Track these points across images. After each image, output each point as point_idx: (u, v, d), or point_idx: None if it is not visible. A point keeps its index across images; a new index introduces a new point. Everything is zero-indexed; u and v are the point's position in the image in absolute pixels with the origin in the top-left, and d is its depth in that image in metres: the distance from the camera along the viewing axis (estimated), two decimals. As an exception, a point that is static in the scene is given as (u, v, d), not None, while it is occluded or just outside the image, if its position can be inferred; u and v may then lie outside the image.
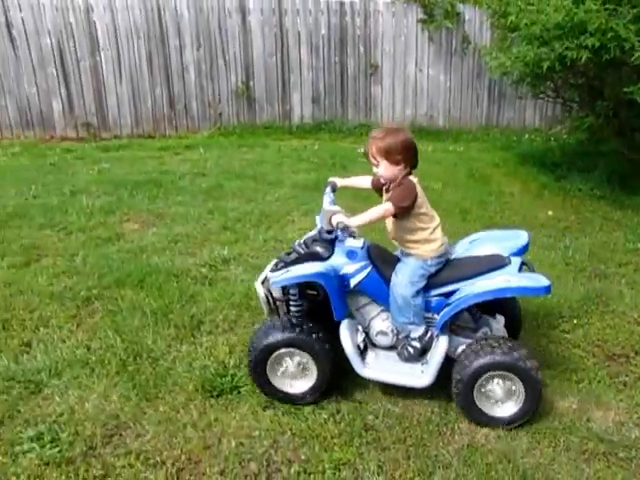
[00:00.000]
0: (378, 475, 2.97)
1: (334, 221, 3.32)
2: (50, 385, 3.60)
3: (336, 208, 3.47)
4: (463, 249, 3.73)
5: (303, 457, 3.07)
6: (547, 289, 3.30)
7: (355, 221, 3.30)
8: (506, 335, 3.67)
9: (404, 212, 3.32)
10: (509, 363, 3.22)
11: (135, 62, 11.20)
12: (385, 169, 3.34)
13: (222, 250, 5.59)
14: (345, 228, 3.29)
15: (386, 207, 3.28)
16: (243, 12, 11.00)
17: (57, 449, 3.07)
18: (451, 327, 3.60)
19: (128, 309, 4.47)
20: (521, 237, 3.73)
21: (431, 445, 3.17)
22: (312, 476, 2.95)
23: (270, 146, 10.39)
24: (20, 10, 10.84)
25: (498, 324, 3.72)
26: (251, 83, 11.40)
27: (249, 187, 7.70)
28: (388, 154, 3.28)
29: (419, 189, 3.34)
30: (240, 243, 5.84)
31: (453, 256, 3.63)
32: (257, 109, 11.59)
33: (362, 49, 11.41)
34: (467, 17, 11.49)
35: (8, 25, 10.88)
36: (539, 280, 3.33)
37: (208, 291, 4.79)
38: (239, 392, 3.53)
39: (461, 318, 3.70)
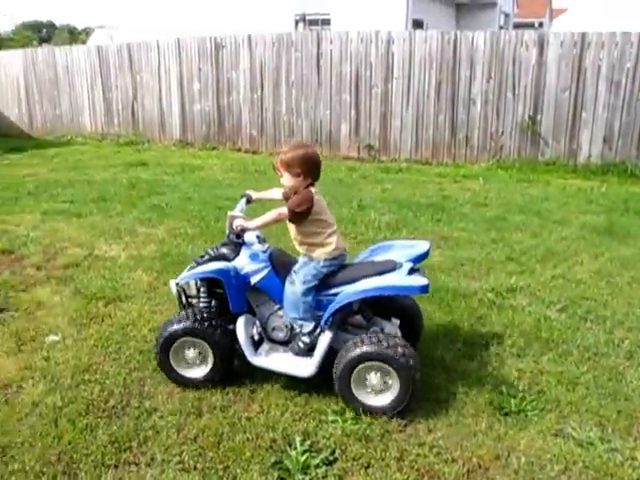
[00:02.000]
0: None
1: (235, 224, 3.75)
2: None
3: (237, 214, 3.89)
4: (363, 256, 3.99)
5: (599, 491, 2.96)
6: (423, 288, 3.47)
7: (252, 223, 3.72)
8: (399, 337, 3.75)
9: (299, 217, 3.60)
10: (386, 355, 3.42)
11: (423, 90, 11.55)
12: (287, 180, 3.66)
13: (508, 279, 5.52)
14: (243, 230, 3.72)
15: (280, 211, 3.61)
16: (541, 45, 10.74)
17: (357, 426, 3.39)
18: (344, 326, 3.86)
19: (420, 318, 4.59)
20: (420, 246, 3.90)
21: None
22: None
23: (552, 183, 10.01)
24: (331, 42, 11.83)
25: (392, 327, 3.86)
26: (538, 117, 11.07)
27: (533, 222, 7.46)
28: (289, 167, 3.60)
29: (318, 199, 3.62)
30: (526, 275, 5.69)
31: (354, 261, 3.94)
32: (541, 144, 11.20)
33: (675, 85, 10.30)
34: None
35: (318, 55, 11.93)
36: (417, 280, 3.49)
37: (496, 315, 4.78)
38: (527, 415, 3.51)
39: (353, 318, 3.92)
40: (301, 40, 12.21)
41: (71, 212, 7.95)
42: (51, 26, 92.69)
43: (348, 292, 3.59)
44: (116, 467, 3.11)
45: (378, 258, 3.84)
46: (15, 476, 3.03)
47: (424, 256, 3.86)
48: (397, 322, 3.94)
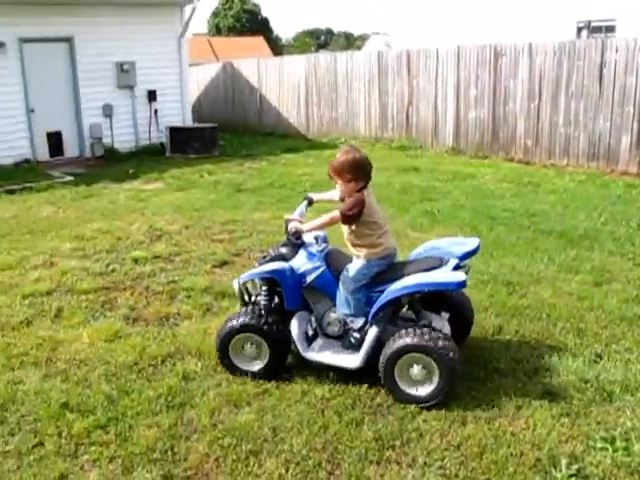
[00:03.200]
0: None
1: (290, 227, 4.04)
2: (622, 398, 3.81)
3: (294, 217, 4.15)
4: (416, 254, 4.19)
5: None
6: (460, 284, 3.67)
7: (307, 226, 4.02)
8: (449, 331, 3.99)
9: (350, 220, 3.83)
10: (426, 347, 3.64)
11: None
12: (340, 186, 3.92)
13: None
14: (297, 232, 4.01)
15: (333, 215, 3.86)
16: None
17: (629, 458, 3.25)
18: (394, 321, 4.01)
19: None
20: (468, 244, 4.13)
21: None
22: None
23: None
24: (616, 51, 11.38)
25: (441, 320, 4.08)
26: None
27: None
28: (339, 174, 3.84)
29: (370, 201, 3.85)
30: None
31: (409, 258, 4.16)
32: None
33: None
34: None
35: (601, 64, 11.54)
36: (454, 276, 3.71)
37: None
38: None
39: (403, 313, 4.15)
40: (584, 48, 11.79)
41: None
42: (329, 32, 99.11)
43: (392, 289, 3.78)
44: (378, 464, 3.27)
45: (428, 255, 4.05)
46: (284, 455, 3.36)
47: (472, 253, 4.09)
48: (446, 316, 4.15)
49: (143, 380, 4.18)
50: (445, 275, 3.78)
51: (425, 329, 3.77)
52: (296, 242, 4.14)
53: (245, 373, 4.13)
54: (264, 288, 4.19)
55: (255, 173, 12.22)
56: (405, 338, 3.73)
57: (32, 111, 13.91)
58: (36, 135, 14.11)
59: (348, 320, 4.07)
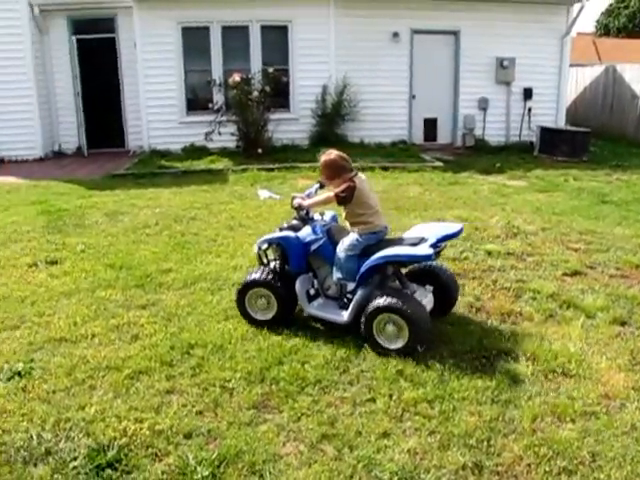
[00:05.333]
0: None
1: (294, 202, 4.91)
2: None
3: (298, 194, 5.05)
4: (407, 233, 4.92)
5: None
6: (424, 257, 4.46)
7: (307, 203, 4.89)
8: (431, 302, 4.75)
9: (343, 200, 4.64)
10: (397, 308, 4.34)
11: None
12: (330, 184, 4.85)
13: None
14: (299, 207, 4.88)
15: (329, 195, 4.75)
16: None
17: None
18: (385, 289, 4.64)
19: None
20: (451, 228, 4.89)
21: None
22: None
23: None
24: None
25: (425, 292, 4.79)
26: None
27: None
28: (323, 176, 4.90)
29: (362, 187, 4.67)
30: None
31: (402, 236, 4.90)
32: None
33: None
34: None
35: None
36: (422, 251, 4.41)
37: None
38: None
39: (393, 283, 4.82)
40: None
41: None
42: None
43: (373, 257, 4.48)
44: None
45: (414, 234, 4.75)
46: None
47: (453, 235, 4.78)
48: (430, 288, 4.83)
49: (474, 368, 4.30)
50: (415, 249, 4.47)
51: (401, 295, 4.49)
52: (305, 217, 4.93)
53: (256, 321, 4.93)
54: (278, 252, 4.99)
55: (623, 185, 11.40)
56: (380, 300, 4.41)
57: (414, 97, 15.06)
58: (414, 119, 15.26)
59: (342, 283, 4.81)
